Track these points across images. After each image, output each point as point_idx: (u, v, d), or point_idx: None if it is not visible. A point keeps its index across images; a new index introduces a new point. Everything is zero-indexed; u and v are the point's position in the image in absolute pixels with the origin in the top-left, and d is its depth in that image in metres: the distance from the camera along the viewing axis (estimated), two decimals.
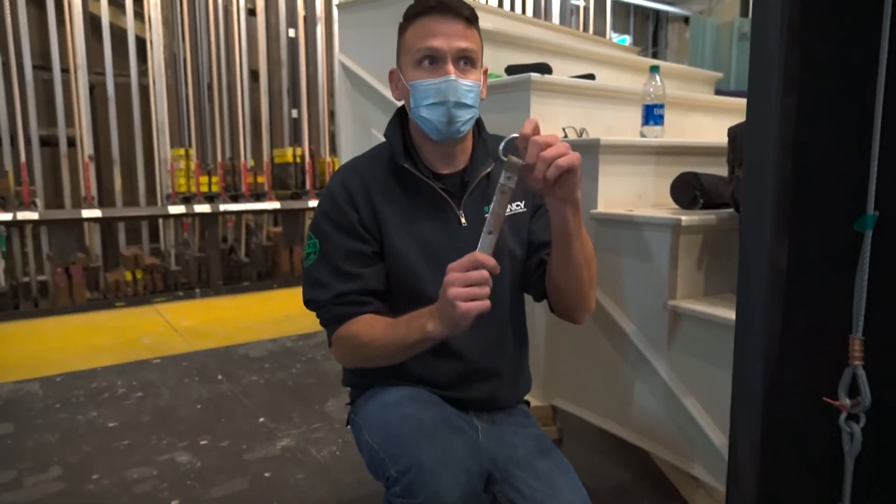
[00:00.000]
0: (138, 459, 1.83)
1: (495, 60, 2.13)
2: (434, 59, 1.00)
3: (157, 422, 2.11)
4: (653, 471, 1.65)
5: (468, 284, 0.85)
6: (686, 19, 6.86)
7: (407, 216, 1.07)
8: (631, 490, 1.65)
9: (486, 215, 0.89)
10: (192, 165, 4.17)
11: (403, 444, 0.93)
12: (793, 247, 0.89)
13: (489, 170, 1.10)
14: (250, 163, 4.59)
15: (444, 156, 1.09)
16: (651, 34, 7.31)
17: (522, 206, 1.13)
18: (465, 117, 1.03)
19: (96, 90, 4.24)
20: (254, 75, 4.74)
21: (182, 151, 4.20)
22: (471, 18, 1.02)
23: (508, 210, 1.03)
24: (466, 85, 1.01)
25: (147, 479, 1.71)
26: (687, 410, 1.39)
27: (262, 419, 2.12)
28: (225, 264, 4.43)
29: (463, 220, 1.08)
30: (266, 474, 1.74)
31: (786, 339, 0.89)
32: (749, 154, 0.98)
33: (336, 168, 1.41)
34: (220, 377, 2.55)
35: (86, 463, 1.81)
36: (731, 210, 1.48)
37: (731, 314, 1.08)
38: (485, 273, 0.85)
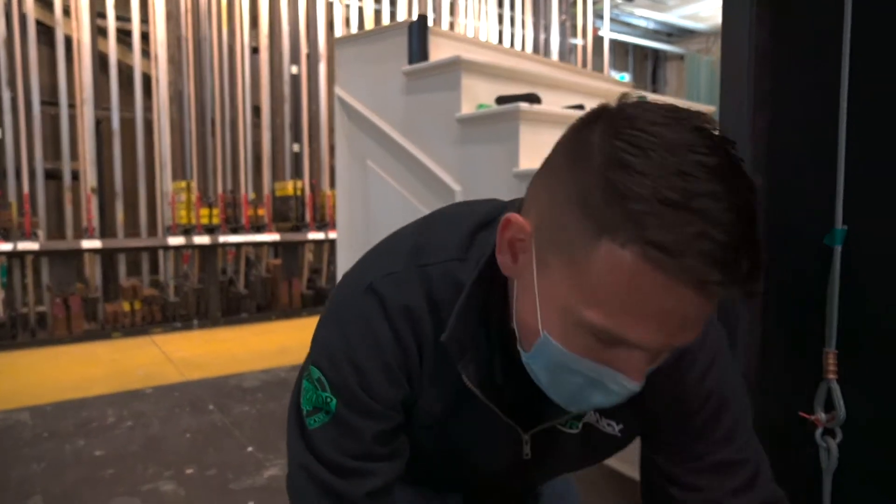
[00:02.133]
0: (122, 489, 1.80)
1: (488, 93, 2.18)
2: (622, 345, 0.50)
3: (145, 451, 2.09)
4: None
5: None
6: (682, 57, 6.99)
7: (447, 418, 0.68)
8: None
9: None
10: (193, 198, 4.21)
11: None
12: (769, 265, 0.89)
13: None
14: (251, 195, 4.64)
15: None
16: (650, 72, 7.45)
17: (616, 429, 0.70)
18: (608, 406, 0.58)
19: (102, 125, 4.32)
20: (256, 111, 4.83)
21: (184, 184, 4.25)
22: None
23: (595, 421, 0.69)
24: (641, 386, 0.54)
25: None
26: None
27: (250, 449, 2.09)
28: (224, 296, 4.43)
29: (527, 450, 0.70)
30: (250, 503, 1.71)
31: (765, 356, 0.89)
32: None
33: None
34: (211, 407, 2.53)
35: (69, 492, 1.79)
36: None
37: None
38: None
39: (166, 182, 4.40)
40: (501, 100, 2.07)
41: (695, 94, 5.33)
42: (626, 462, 1.51)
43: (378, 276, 0.63)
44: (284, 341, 3.75)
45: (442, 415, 0.67)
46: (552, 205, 0.52)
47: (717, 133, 0.48)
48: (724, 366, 0.68)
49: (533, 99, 1.99)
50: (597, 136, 0.49)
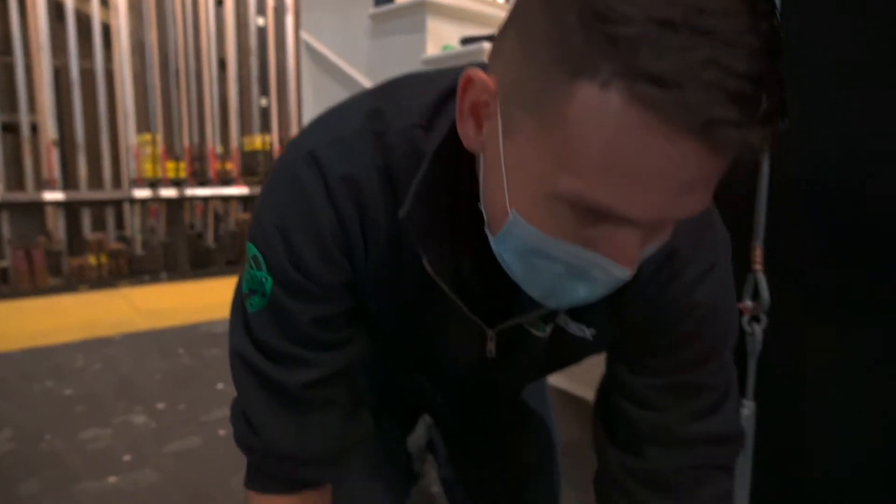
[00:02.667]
0: (93, 422, 1.83)
1: (453, 34, 2.18)
2: (610, 221, 0.40)
3: (115, 391, 2.11)
4: None
5: None
6: None
7: (403, 306, 0.62)
8: (582, 442, 1.70)
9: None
10: (159, 151, 4.15)
11: None
12: None
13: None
14: (219, 149, 4.58)
15: None
16: None
17: (587, 333, 0.61)
18: (590, 301, 0.49)
19: (60, 75, 4.19)
20: (222, 64, 4.73)
21: (148, 137, 4.18)
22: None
23: (564, 324, 0.61)
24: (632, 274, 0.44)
25: (101, 439, 1.72)
26: None
27: (220, 385, 2.13)
28: (192, 250, 4.40)
29: (490, 348, 0.63)
30: (221, 432, 1.75)
31: None
32: None
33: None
34: (181, 351, 2.55)
35: (40, 426, 1.81)
36: None
37: None
38: None
39: (130, 135, 4.31)
40: (466, 41, 2.08)
41: None
42: (581, 383, 1.58)
43: (321, 142, 0.54)
44: None
45: (398, 304, 0.60)
46: (518, 52, 0.40)
47: None
48: (719, 279, 0.58)
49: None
50: None
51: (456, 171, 0.52)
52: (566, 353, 0.65)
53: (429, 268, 0.54)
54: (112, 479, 1.49)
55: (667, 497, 0.59)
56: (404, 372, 0.83)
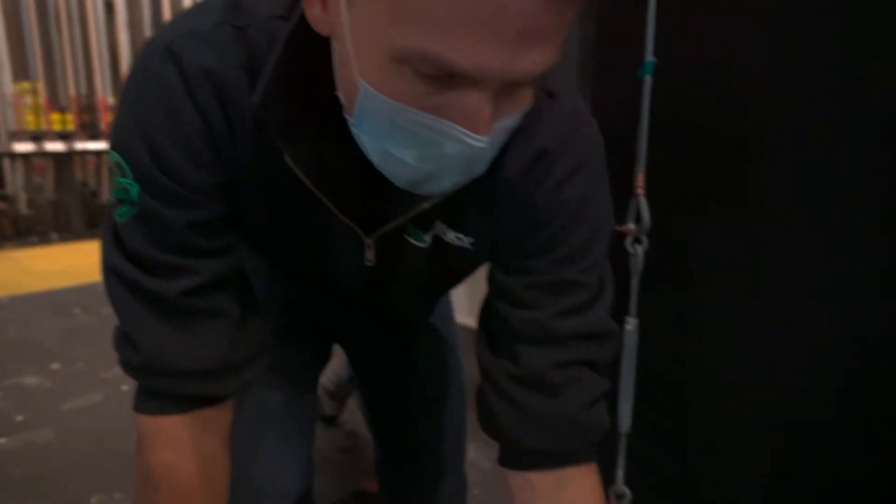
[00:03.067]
0: None
1: None
2: (456, 81, 0.39)
3: (3, 353, 1.98)
4: None
5: None
6: None
7: (273, 215, 0.60)
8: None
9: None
10: (41, 101, 3.81)
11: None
12: (595, 98, 0.99)
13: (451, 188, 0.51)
14: (110, 100, 4.26)
15: None
16: None
17: (466, 242, 0.61)
18: (458, 184, 0.49)
19: None
20: (109, 7, 4.36)
21: (28, 86, 3.82)
22: None
23: (451, 239, 0.61)
24: (490, 144, 0.44)
25: None
26: None
27: None
28: (86, 208, 4.12)
29: (369, 256, 0.63)
30: (123, 387, 1.69)
31: None
32: None
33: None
34: (77, 311, 2.42)
35: None
36: None
37: None
38: None
39: (5, 83, 3.92)
40: None
41: None
42: None
43: (178, 36, 0.50)
44: None
45: (273, 209, 0.59)
46: None
47: None
48: (590, 177, 0.58)
49: None
50: None
51: (314, 59, 0.50)
52: (448, 264, 0.64)
53: (291, 163, 0.52)
54: (2, 440, 1.41)
55: (543, 395, 0.60)
56: (299, 290, 0.81)
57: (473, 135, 0.41)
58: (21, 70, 4.04)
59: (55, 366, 1.86)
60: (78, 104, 3.97)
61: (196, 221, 0.55)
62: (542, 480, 0.62)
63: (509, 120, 0.44)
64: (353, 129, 0.47)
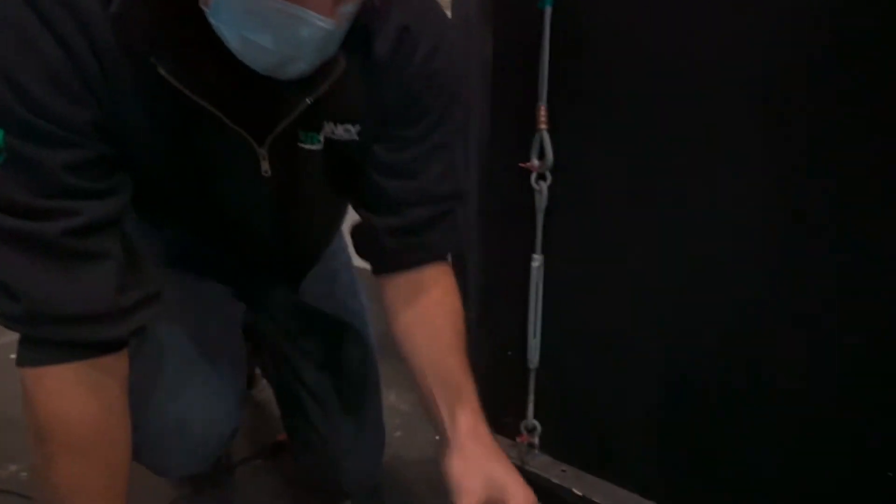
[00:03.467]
0: None
1: None
2: None
3: None
4: None
5: None
6: None
7: (160, 140, 0.59)
8: None
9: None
10: None
11: (140, 396, 0.68)
12: (496, 35, 0.96)
13: (329, 80, 0.58)
14: None
15: None
16: None
17: (354, 132, 0.66)
18: (313, 65, 0.53)
19: None
20: None
21: None
22: None
23: (331, 132, 0.65)
24: (338, 27, 0.50)
25: None
26: None
27: None
28: None
29: (265, 166, 0.64)
30: (11, 356, 1.57)
31: (494, 118, 0.98)
32: None
33: None
34: None
35: None
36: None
37: None
38: None
39: None
40: None
41: None
42: None
43: None
44: None
45: (157, 134, 0.58)
46: None
47: None
48: (449, 48, 0.66)
49: None
50: None
51: None
52: (341, 162, 0.68)
53: (167, 74, 0.52)
54: None
55: (419, 236, 0.72)
56: (201, 242, 0.78)
57: (323, 17, 0.47)
58: None
59: None
60: None
61: (74, 163, 0.52)
62: (404, 279, 0.74)
63: (351, 6, 0.49)
64: (213, 21, 0.49)
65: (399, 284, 0.75)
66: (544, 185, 0.90)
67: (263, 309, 0.95)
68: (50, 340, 0.56)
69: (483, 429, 0.67)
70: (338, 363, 0.93)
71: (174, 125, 0.57)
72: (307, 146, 0.64)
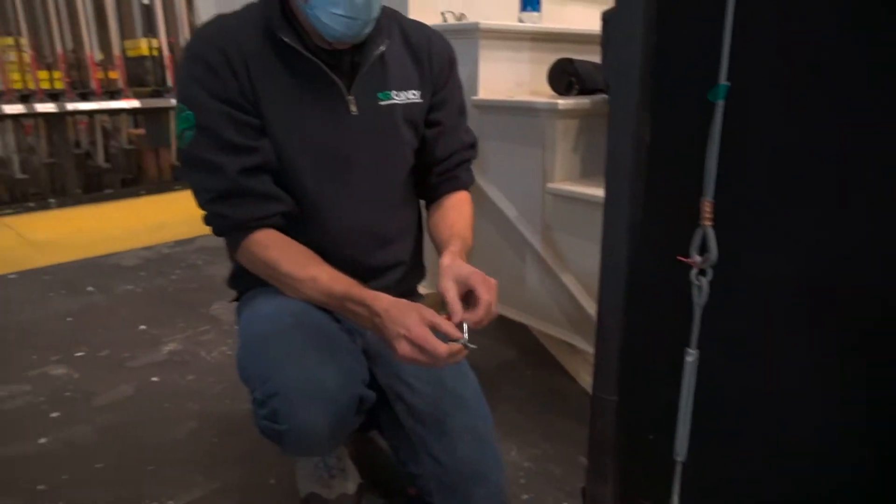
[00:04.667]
0: (6, 377, 1.71)
1: None
2: None
3: (23, 338, 1.96)
4: (534, 345, 1.80)
5: (415, 356, 0.83)
6: None
7: (288, 99, 0.96)
8: (515, 364, 1.79)
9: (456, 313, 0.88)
10: (27, 58, 3.64)
11: (270, 367, 0.90)
12: (656, 119, 0.95)
13: (383, 48, 1.00)
14: (98, 56, 4.08)
15: None
16: None
17: (418, 96, 1.07)
18: (374, 26, 0.95)
19: None
20: None
21: (10, 41, 3.64)
22: None
23: (400, 97, 1.05)
24: None
25: (20, 395, 1.61)
26: (564, 286, 1.50)
27: (143, 327, 2.04)
28: (82, 171, 4.02)
29: (353, 108, 1.00)
30: (153, 378, 1.70)
31: (648, 206, 0.98)
32: (617, 29, 1.01)
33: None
34: (90, 288, 2.39)
35: None
36: (605, 95, 1.54)
37: (603, 192, 1.16)
38: (431, 362, 0.83)
39: None
40: None
41: None
42: (513, 308, 1.65)
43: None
44: (160, 216, 3.54)
45: (281, 92, 0.94)
46: None
47: None
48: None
49: None
50: None
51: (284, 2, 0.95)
52: (408, 116, 1.05)
53: (287, 39, 0.92)
54: (42, 441, 1.42)
55: (453, 173, 1.15)
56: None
57: None
58: (1, 24, 3.84)
59: (79, 353, 1.85)
60: (66, 60, 3.79)
61: (240, 120, 0.93)
62: (443, 199, 1.15)
63: (413, 20, 0.97)
64: (310, 11, 0.89)
65: (438, 203, 1.14)
66: (704, 281, 0.89)
67: (375, 354, 1.06)
68: (255, 213, 0.96)
69: (459, 257, 0.97)
70: (451, 397, 1.03)
71: (290, 81, 0.95)
72: (384, 102, 1.02)
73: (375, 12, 0.91)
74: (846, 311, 0.83)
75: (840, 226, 0.81)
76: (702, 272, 0.91)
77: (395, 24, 1.06)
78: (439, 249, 1.03)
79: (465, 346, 0.87)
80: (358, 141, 1.01)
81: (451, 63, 1.12)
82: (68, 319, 2.11)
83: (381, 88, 1.02)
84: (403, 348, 0.83)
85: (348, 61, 0.99)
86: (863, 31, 0.77)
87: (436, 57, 1.08)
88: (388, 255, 1.10)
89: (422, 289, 1.30)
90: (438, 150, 1.12)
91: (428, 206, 1.17)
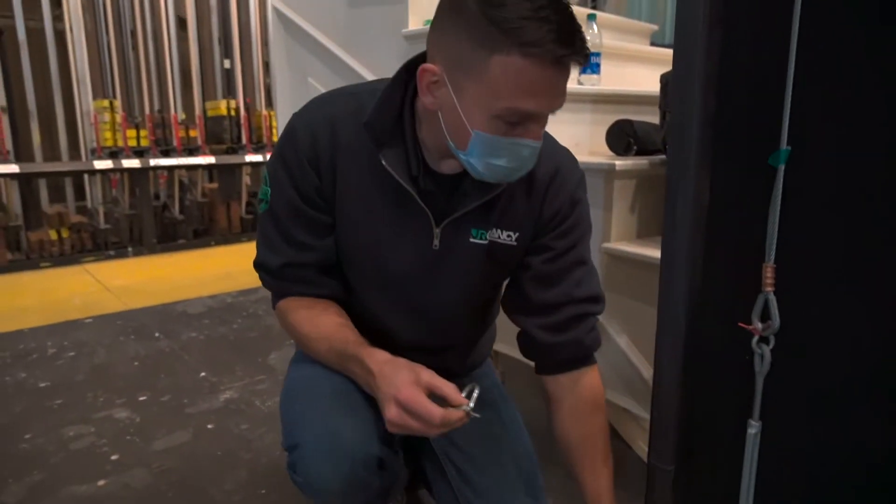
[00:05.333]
0: (74, 417, 1.78)
1: (435, 8, 2.10)
2: (525, 120, 0.75)
3: (93, 380, 2.06)
4: None
5: (403, 421, 0.75)
6: None
7: (367, 211, 0.88)
8: (543, 411, 1.73)
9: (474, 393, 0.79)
10: (118, 118, 3.95)
11: (297, 419, 0.89)
12: (715, 181, 0.93)
13: (501, 189, 0.86)
14: (181, 116, 4.39)
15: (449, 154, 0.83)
16: None
17: (513, 238, 0.91)
18: (527, 172, 0.83)
19: (5, 35, 3.93)
20: (182, 23, 4.49)
21: (106, 103, 3.98)
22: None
23: (496, 236, 0.91)
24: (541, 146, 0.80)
25: (84, 436, 1.68)
26: (620, 348, 1.46)
27: (203, 374, 2.10)
28: (158, 222, 4.27)
29: (436, 242, 0.89)
30: (209, 426, 1.73)
31: (707, 270, 0.95)
32: (675, 91, 1.01)
33: (294, 113, 0.92)
34: (157, 334, 2.50)
35: (18, 423, 1.76)
36: (663, 156, 1.53)
37: (659, 253, 1.14)
38: (423, 429, 0.75)
39: (86, 100, 4.09)
40: None
41: (636, 11, 5.29)
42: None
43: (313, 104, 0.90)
44: (227, 266, 3.69)
45: (362, 208, 0.88)
46: (449, 47, 0.74)
47: None
48: (584, 186, 0.96)
49: None
50: None
51: (400, 110, 0.85)
52: (498, 259, 0.92)
53: (385, 162, 0.83)
54: (101, 482, 1.46)
55: (563, 334, 0.94)
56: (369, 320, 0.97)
57: (536, 142, 0.78)
58: (99, 87, 4.21)
59: (142, 397, 1.92)
60: (152, 120, 4.10)
61: (308, 205, 0.88)
62: (564, 378, 0.98)
63: (544, 133, 0.80)
64: (465, 158, 0.79)
65: (559, 382, 0.98)
66: (766, 349, 0.85)
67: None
68: (291, 289, 0.93)
69: None
70: (503, 466, 1.01)
71: (377, 199, 0.87)
72: (475, 240, 0.90)
73: (532, 161, 0.80)
74: None
75: None
76: (764, 340, 0.87)
77: (543, 159, 0.88)
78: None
79: (468, 414, 0.76)
80: (432, 277, 0.92)
81: (574, 204, 0.92)
82: (135, 364, 2.20)
83: (479, 225, 0.89)
84: (391, 411, 0.75)
85: (448, 189, 0.88)
86: None
87: (552, 195, 0.91)
88: (441, 342, 1.02)
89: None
90: (541, 301, 0.94)
91: (544, 378, 1.00)
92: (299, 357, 1.04)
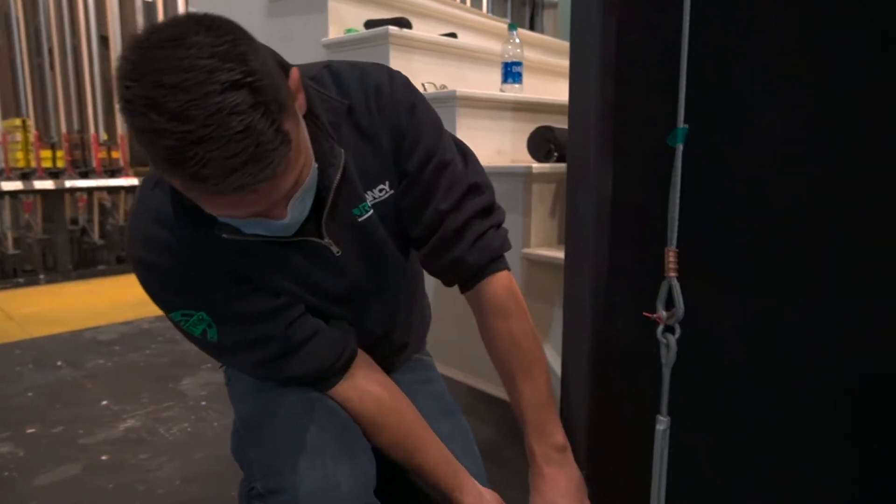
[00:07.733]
0: None
1: (356, 17, 2.06)
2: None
3: None
4: (513, 421, 1.67)
5: None
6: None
7: (273, 265, 0.81)
8: (494, 442, 1.66)
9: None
10: (31, 138, 3.73)
11: (275, 458, 0.79)
12: (616, 168, 0.90)
13: (338, 177, 0.78)
14: (103, 136, 4.19)
15: None
16: (528, 19, 7.49)
17: (387, 187, 0.84)
18: (308, 205, 0.75)
19: None
20: (105, 41, 4.31)
21: (18, 122, 3.75)
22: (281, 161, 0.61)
23: (372, 198, 0.83)
24: (296, 206, 0.70)
25: None
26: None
27: (104, 402, 1.93)
28: (76, 247, 4.02)
29: (335, 249, 0.83)
30: (103, 457, 1.57)
31: (612, 260, 0.90)
32: (573, 79, 0.98)
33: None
34: (59, 363, 2.30)
35: None
36: None
37: None
38: None
39: None
40: (370, 24, 1.96)
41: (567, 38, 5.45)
42: (492, 383, 1.54)
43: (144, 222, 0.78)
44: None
45: (257, 256, 0.79)
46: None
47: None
48: (407, 89, 0.85)
49: (403, 23, 1.91)
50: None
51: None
52: (390, 216, 0.86)
53: (227, 236, 0.74)
54: None
55: (445, 255, 0.88)
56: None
57: (279, 219, 0.69)
58: (11, 106, 3.97)
59: (31, 430, 1.74)
60: (69, 141, 3.89)
61: (251, 291, 0.81)
62: (469, 294, 0.93)
63: (302, 188, 0.69)
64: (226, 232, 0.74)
65: (469, 300, 0.93)
66: (672, 339, 0.81)
67: None
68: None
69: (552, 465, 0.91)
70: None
71: (265, 252, 0.79)
72: (362, 217, 0.83)
73: (302, 205, 0.72)
74: (824, 370, 0.73)
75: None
76: (669, 329, 0.82)
77: (342, 106, 0.81)
78: (519, 423, 0.97)
79: None
80: (359, 275, 0.88)
81: (409, 109, 0.84)
82: (29, 395, 2.01)
83: (353, 202, 0.82)
84: None
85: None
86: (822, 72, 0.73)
87: (381, 120, 0.83)
88: (396, 333, 1.02)
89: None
90: (423, 231, 0.88)
91: (464, 293, 0.94)
92: (241, 380, 0.94)
